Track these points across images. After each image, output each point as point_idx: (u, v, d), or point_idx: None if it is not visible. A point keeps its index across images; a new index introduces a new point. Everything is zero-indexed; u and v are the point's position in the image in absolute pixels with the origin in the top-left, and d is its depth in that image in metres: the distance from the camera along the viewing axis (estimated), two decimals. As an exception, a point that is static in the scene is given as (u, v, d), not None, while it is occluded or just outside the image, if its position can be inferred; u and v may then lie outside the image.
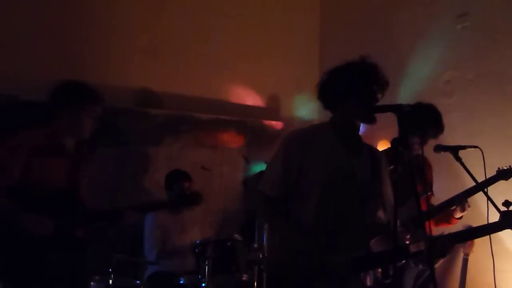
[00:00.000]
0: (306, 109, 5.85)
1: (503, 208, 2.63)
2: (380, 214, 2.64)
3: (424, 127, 3.47)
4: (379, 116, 2.53)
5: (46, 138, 3.13)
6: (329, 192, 2.54)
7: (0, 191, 2.95)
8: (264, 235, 4.22)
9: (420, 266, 3.57)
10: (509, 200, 2.67)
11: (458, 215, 3.63)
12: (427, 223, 2.32)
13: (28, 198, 2.98)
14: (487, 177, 3.32)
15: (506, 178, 3.44)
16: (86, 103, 3.16)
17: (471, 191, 3.47)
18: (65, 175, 3.15)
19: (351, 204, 2.57)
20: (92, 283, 3.68)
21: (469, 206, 3.59)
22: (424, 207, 3.51)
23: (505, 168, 3.45)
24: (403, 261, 2.86)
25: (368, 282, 2.57)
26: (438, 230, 3.86)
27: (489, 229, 2.61)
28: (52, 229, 3.00)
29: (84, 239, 3.22)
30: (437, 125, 3.60)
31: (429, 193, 3.67)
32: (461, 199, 3.56)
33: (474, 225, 2.68)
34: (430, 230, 2.40)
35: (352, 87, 2.56)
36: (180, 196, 3.68)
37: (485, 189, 3.13)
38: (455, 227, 4.03)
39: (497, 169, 3.46)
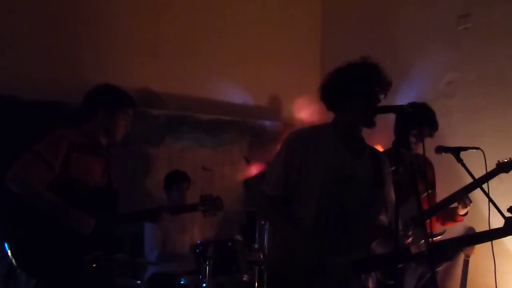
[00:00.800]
0: (307, 110, 5.87)
1: (507, 214, 2.63)
2: (382, 215, 2.64)
3: (419, 126, 3.52)
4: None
5: (84, 136, 3.19)
6: (329, 192, 2.54)
7: (44, 186, 2.94)
8: (265, 235, 4.22)
9: (423, 267, 3.58)
10: None
11: (462, 211, 3.66)
12: (428, 222, 2.33)
13: (69, 194, 2.98)
14: (486, 172, 3.33)
15: (507, 171, 3.46)
16: (121, 106, 3.27)
17: (471, 186, 3.49)
18: (102, 174, 3.21)
19: (351, 205, 2.57)
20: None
21: (470, 202, 3.61)
22: (425, 206, 3.52)
23: (505, 160, 3.47)
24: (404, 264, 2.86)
25: (370, 284, 2.57)
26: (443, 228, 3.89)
27: (493, 235, 2.61)
28: (93, 226, 3.00)
29: (120, 238, 3.29)
30: (432, 123, 3.66)
31: (430, 191, 3.69)
32: (461, 195, 3.58)
33: (476, 226, 2.68)
34: (431, 229, 2.40)
35: (354, 88, 2.56)
36: (207, 200, 3.77)
37: (487, 190, 3.12)
38: (458, 229, 4.05)
39: (496, 162, 3.47)
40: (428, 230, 2.33)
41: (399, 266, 2.47)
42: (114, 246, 3.18)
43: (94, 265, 2.98)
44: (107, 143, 3.30)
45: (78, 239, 2.97)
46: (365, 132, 2.71)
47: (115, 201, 3.21)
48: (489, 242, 2.91)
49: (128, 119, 3.31)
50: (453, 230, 4.00)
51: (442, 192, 3.80)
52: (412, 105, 3.56)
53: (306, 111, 5.94)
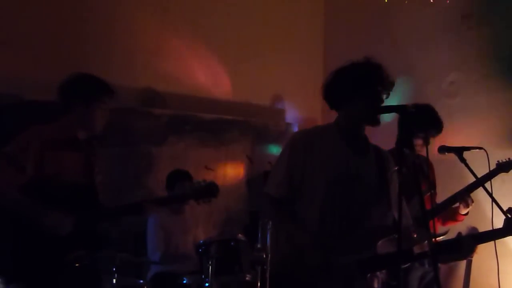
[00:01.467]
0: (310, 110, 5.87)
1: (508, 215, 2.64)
2: (386, 215, 2.63)
3: (424, 127, 3.50)
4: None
5: (58, 132, 3.04)
6: (333, 192, 2.54)
7: (15, 189, 2.83)
8: (268, 235, 4.21)
9: (426, 267, 3.58)
10: None
11: (463, 211, 3.66)
12: (431, 222, 2.33)
13: (45, 194, 2.86)
14: (491, 181, 3.33)
15: (506, 171, 3.46)
16: (98, 95, 3.09)
17: (472, 187, 3.49)
18: (80, 169, 3.06)
19: (356, 204, 2.57)
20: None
21: (472, 202, 3.61)
22: (428, 206, 3.52)
23: (505, 160, 3.48)
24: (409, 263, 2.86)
25: (376, 284, 2.57)
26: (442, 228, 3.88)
27: (493, 235, 2.61)
28: (72, 225, 2.88)
29: (105, 235, 3.12)
30: (437, 125, 3.64)
31: (432, 191, 3.69)
32: (463, 195, 3.58)
33: (479, 226, 2.69)
34: (435, 229, 2.40)
35: (357, 88, 2.56)
36: (196, 189, 3.62)
37: (491, 192, 3.12)
38: (461, 229, 4.04)
39: (496, 162, 3.47)
40: (431, 231, 2.33)
41: (405, 266, 2.48)
42: (98, 244, 3.05)
43: (77, 265, 2.89)
44: (88, 136, 3.14)
45: (58, 240, 2.85)
46: (365, 132, 2.71)
47: (95, 197, 3.07)
48: (492, 243, 2.91)
49: (105, 108, 3.12)
50: (456, 230, 4.00)
51: (444, 192, 3.80)
52: (416, 106, 3.55)
53: (309, 111, 5.94)
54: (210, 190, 3.46)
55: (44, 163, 2.90)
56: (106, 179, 4.47)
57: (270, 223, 4.17)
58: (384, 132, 2.99)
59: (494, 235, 2.63)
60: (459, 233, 2.69)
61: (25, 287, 2.80)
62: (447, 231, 3.77)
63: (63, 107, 3.10)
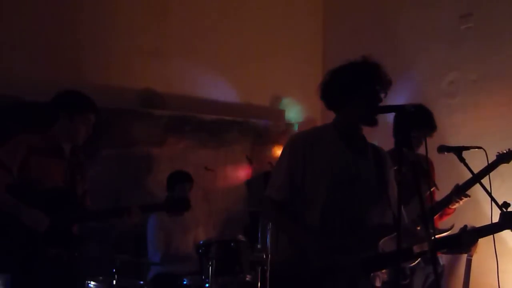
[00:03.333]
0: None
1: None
2: (387, 214, 2.63)
3: (418, 127, 3.52)
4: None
5: (44, 140, 3.35)
6: (334, 193, 2.54)
7: (3, 189, 3.14)
8: (268, 235, 4.22)
9: (431, 266, 3.58)
10: (507, 202, 2.69)
11: (453, 205, 3.66)
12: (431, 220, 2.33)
13: (26, 195, 3.16)
14: (490, 180, 3.32)
15: (507, 161, 3.45)
16: (80, 111, 3.38)
17: (472, 182, 3.47)
18: (62, 176, 3.35)
19: (357, 205, 2.57)
20: (95, 283, 3.69)
21: (465, 197, 3.59)
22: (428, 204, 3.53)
23: (504, 151, 3.47)
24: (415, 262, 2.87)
25: (378, 283, 2.57)
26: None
27: (489, 230, 2.62)
28: (47, 225, 3.14)
29: (80, 236, 3.40)
30: (431, 124, 3.67)
31: (432, 189, 3.69)
32: (459, 194, 3.58)
33: (478, 225, 2.68)
34: (434, 229, 2.41)
35: (355, 87, 2.55)
36: (168, 201, 3.81)
37: (490, 190, 3.11)
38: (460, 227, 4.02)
39: (496, 153, 3.46)
40: (432, 229, 2.34)
41: (411, 265, 2.48)
42: (74, 244, 3.31)
43: (55, 262, 3.16)
44: (72, 146, 3.43)
45: (36, 236, 3.12)
46: (365, 131, 2.71)
47: (73, 201, 3.33)
48: (492, 242, 2.91)
49: (88, 123, 3.41)
50: (456, 229, 4.00)
51: (443, 191, 3.79)
52: (414, 106, 3.57)
53: (308, 111, 5.94)
54: (181, 205, 3.68)
55: (29, 167, 3.20)
56: (105, 180, 4.53)
57: (271, 224, 4.18)
58: (384, 132, 3.00)
59: (492, 229, 2.63)
60: (465, 226, 2.68)
61: (10, 278, 3.05)
62: (451, 227, 3.76)
63: (51, 118, 3.40)
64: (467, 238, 2.54)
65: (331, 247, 2.45)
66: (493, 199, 2.91)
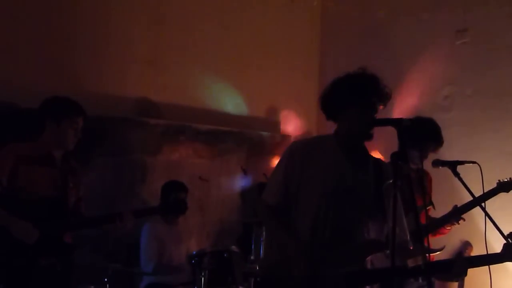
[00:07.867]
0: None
1: (505, 231, 2.63)
2: (380, 229, 2.62)
3: (424, 141, 3.51)
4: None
5: (33, 149, 3.32)
6: (327, 204, 2.54)
7: None
8: (261, 246, 4.21)
9: (420, 281, 3.56)
10: None
11: (449, 226, 3.65)
12: (426, 238, 2.32)
13: (14, 206, 3.11)
14: (487, 191, 3.32)
15: (507, 190, 3.45)
16: (67, 115, 3.35)
17: (470, 205, 3.47)
18: (53, 184, 3.31)
19: (349, 217, 2.57)
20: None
21: (463, 220, 3.59)
22: (423, 221, 3.51)
23: (506, 180, 3.46)
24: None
25: None
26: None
27: (488, 260, 2.60)
28: (37, 235, 3.11)
29: (72, 244, 3.36)
30: (437, 139, 3.65)
31: (428, 208, 3.68)
32: (457, 216, 3.56)
33: (472, 240, 2.68)
34: (429, 245, 2.39)
35: (351, 98, 2.57)
36: (163, 204, 3.76)
37: (483, 204, 3.12)
38: (454, 243, 4.02)
39: (497, 181, 3.47)
40: (426, 246, 2.32)
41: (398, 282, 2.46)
42: (66, 252, 3.29)
43: (48, 271, 3.14)
44: (64, 153, 3.39)
45: (27, 247, 3.09)
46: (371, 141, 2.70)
47: (63, 210, 3.29)
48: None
49: (76, 127, 3.37)
50: (449, 244, 3.99)
51: (438, 205, 3.80)
52: (417, 119, 3.56)
53: (304, 123, 5.95)
54: (176, 207, 3.66)
55: (16, 176, 3.18)
56: (99, 189, 4.51)
57: (264, 233, 4.17)
58: (388, 142, 2.99)
59: (491, 259, 2.61)
60: (460, 253, 2.64)
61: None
62: (443, 248, 3.76)
63: (39, 127, 3.38)
64: (459, 268, 2.50)
65: (317, 258, 2.45)
66: (488, 216, 2.90)
